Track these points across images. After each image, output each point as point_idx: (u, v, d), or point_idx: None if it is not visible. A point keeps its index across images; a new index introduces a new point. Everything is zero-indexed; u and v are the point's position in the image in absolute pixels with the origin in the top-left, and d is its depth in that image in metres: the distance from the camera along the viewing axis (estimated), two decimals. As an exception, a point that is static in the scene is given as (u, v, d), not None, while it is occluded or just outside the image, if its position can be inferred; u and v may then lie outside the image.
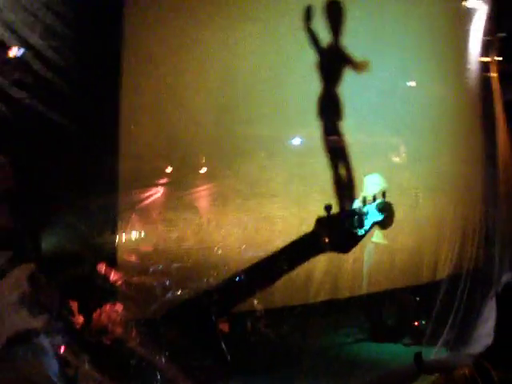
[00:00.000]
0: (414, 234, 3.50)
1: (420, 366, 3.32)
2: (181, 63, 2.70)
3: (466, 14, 4.27)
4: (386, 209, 2.18)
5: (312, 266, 3.63)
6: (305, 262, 2.16)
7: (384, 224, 2.22)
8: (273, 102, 2.98)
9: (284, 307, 3.96)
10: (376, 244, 3.94)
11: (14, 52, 2.15)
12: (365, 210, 2.12)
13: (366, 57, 3.65)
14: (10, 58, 2.14)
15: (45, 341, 2.26)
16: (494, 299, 3.97)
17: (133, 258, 5.21)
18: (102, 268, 3.81)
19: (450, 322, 3.67)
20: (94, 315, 4.64)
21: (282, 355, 4.17)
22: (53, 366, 2.23)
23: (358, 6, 3.62)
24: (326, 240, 2.03)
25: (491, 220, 4.16)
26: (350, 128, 3.68)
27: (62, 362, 2.65)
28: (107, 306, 4.73)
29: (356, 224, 2.05)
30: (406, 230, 3.84)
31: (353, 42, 3.65)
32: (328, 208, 2.02)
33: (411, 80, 3.96)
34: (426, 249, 3.69)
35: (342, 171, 3.59)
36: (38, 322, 2.19)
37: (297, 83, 3.14)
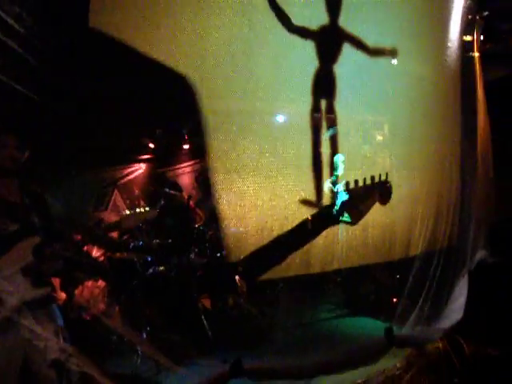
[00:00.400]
0: (388, 210, 3.54)
1: (391, 339, 3.43)
2: (152, 34, 2.66)
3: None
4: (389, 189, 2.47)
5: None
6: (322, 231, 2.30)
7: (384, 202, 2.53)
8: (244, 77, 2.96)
9: (263, 281, 4.00)
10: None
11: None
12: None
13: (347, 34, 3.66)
14: None
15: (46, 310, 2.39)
16: (466, 276, 4.09)
17: (115, 235, 5.21)
18: (84, 243, 3.83)
19: (422, 297, 3.75)
20: (77, 291, 4.66)
21: (257, 329, 4.24)
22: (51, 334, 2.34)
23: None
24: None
25: (467, 198, 4.22)
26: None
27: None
28: (89, 283, 4.74)
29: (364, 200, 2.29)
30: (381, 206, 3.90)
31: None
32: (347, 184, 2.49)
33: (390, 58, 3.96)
34: (400, 225, 3.75)
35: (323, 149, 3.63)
36: (40, 293, 2.34)
37: (271, 57, 3.11)
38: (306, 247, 3.14)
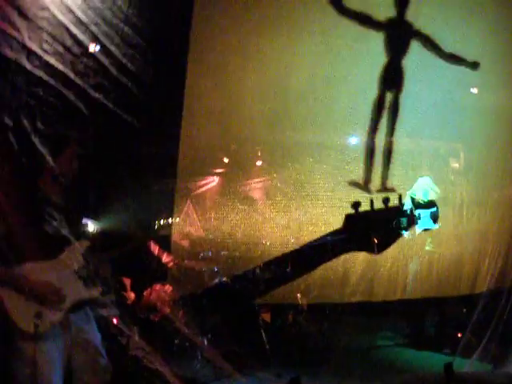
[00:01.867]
0: (458, 244, 3.48)
1: (449, 375, 3.32)
2: (239, 71, 2.91)
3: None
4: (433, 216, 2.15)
5: (352, 266, 3.74)
6: (334, 258, 2.24)
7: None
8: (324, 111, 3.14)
9: (324, 304, 4.07)
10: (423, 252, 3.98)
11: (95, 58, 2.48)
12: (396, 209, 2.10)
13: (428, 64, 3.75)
14: (92, 64, 2.47)
15: (97, 311, 2.53)
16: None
17: (185, 243, 5.51)
18: (155, 249, 4.08)
19: (488, 335, 3.62)
20: (145, 293, 4.94)
21: (314, 349, 4.28)
22: (100, 334, 2.46)
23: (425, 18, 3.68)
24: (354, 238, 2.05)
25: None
26: (402, 134, 3.77)
27: (116, 330, 2.90)
28: (157, 286, 5.00)
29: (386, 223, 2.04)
30: (452, 240, 3.84)
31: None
32: (356, 205, 2.03)
33: (469, 89, 3.92)
34: (470, 261, 3.66)
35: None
36: (92, 293, 2.42)
37: (348, 93, 3.26)
38: (369, 275, 3.17)
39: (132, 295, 3.86)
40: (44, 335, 2.20)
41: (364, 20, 3.47)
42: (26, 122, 2.40)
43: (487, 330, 3.62)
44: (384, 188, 3.81)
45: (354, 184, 3.71)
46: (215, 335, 4.17)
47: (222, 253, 5.26)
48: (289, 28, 3.15)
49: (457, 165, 3.83)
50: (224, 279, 4.74)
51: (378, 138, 3.65)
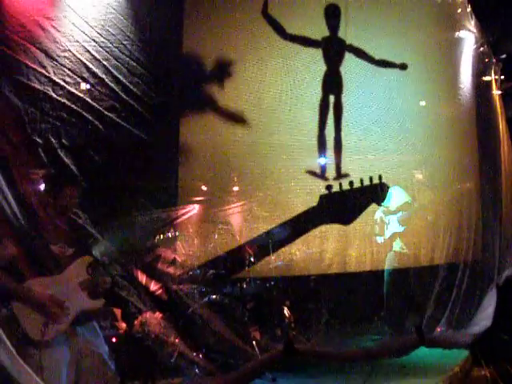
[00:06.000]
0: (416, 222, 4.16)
1: (421, 336, 3.83)
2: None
3: (462, 44, 4.97)
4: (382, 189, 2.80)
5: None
6: (309, 231, 2.82)
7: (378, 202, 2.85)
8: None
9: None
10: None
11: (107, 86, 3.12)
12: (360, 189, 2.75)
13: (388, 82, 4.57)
14: (105, 91, 3.10)
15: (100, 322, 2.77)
16: (494, 289, 4.46)
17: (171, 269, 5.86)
18: (143, 278, 4.39)
19: (450, 304, 4.20)
20: (136, 322, 5.17)
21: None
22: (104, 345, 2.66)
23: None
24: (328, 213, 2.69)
25: (491, 220, 4.70)
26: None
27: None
28: (147, 314, 5.24)
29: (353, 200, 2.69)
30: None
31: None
32: (329, 187, 2.70)
33: (420, 101, 4.74)
34: (425, 236, 4.33)
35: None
36: (95, 304, 2.59)
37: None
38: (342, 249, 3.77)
39: (123, 325, 3.99)
40: (50, 343, 2.36)
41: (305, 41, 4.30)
42: (53, 140, 2.94)
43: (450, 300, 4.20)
44: (338, 175, 4.48)
45: (312, 173, 4.40)
46: (208, 350, 4.42)
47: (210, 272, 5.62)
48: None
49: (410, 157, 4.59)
50: (213, 297, 5.05)
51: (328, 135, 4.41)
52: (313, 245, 4.36)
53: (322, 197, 2.74)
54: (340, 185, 2.71)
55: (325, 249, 4.28)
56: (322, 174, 4.33)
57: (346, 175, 4.36)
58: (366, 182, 2.80)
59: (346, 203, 2.71)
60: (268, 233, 3.20)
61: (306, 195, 4.13)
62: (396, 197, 4.62)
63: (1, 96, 2.77)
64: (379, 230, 4.66)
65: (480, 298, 4.41)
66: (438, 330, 4.14)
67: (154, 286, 5.73)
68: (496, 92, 5.53)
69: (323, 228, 3.99)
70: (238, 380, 2.92)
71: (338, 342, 4.30)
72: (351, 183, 2.79)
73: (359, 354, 3.48)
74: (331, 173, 4.38)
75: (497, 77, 5.61)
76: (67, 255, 2.59)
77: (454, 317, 4.18)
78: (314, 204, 2.86)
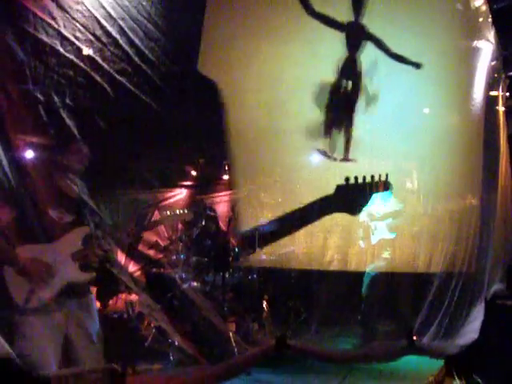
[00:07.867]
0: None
1: (410, 340, 3.81)
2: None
3: (479, 54, 4.94)
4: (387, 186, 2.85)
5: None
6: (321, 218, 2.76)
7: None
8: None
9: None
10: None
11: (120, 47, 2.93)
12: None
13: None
14: (117, 53, 2.90)
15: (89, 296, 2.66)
16: (482, 303, 4.47)
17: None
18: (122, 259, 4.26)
19: (440, 314, 4.17)
20: (111, 302, 5.00)
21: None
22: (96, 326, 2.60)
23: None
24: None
25: (485, 236, 4.70)
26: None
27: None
28: (123, 295, 5.08)
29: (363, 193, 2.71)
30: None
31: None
32: (346, 179, 2.72)
33: (424, 110, 4.69)
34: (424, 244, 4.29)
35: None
36: (85, 277, 2.56)
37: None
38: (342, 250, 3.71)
39: (97, 304, 3.84)
40: (35, 311, 2.34)
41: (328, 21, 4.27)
42: (56, 99, 2.73)
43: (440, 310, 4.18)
44: (346, 158, 4.59)
45: (322, 152, 4.43)
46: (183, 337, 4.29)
47: (193, 258, 5.49)
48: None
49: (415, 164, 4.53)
50: (193, 284, 4.92)
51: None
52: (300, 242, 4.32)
53: (338, 186, 2.77)
54: (356, 178, 2.80)
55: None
56: (330, 155, 4.36)
57: (354, 160, 4.45)
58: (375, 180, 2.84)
59: (358, 195, 2.80)
60: (279, 219, 3.16)
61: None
62: (387, 202, 4.62)
63: (2, 44, 2.56)
64: (366, 233, 4.69)
65: (468, 311, 4.40)
66: (425, 338, 4.12)
67: (132, 267, 5.61)
68: (501, 108, 5.54)
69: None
70: (226, 372, 2.79)
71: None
72: (364, 178, 2.90)
73: (349, 356, 3.40)
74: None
75: (502, 93, 5.63)
76: (65, 222, 2.51)
77: (442, 326, 4.16)
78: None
